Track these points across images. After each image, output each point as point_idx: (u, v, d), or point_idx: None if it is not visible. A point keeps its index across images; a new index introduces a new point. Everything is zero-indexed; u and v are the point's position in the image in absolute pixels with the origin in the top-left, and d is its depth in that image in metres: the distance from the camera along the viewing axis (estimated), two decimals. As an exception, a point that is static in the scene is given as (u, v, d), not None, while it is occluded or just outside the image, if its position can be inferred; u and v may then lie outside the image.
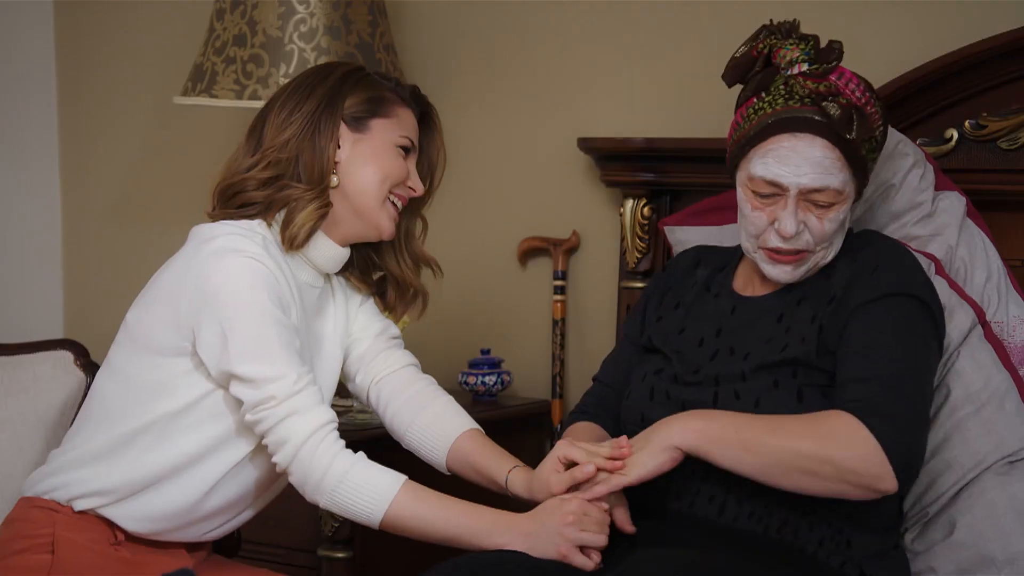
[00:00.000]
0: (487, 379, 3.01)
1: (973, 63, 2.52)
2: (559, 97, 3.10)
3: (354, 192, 2.22)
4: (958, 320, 2.30)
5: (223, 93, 2.87)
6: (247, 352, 2.09)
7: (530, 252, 3.14)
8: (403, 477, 2.12)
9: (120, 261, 3.64)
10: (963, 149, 2.54)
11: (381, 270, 2.35)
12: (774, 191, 2.14)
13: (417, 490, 2.11)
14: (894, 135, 2.40)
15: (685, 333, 2.27)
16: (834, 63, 2.17)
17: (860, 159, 2.16)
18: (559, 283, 3.07)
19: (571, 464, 2.12)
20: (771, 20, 2.24)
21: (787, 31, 2.22)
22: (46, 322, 3.67)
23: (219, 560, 2.34)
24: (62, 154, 3.76)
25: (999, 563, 2.21)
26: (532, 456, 2.95)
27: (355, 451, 2.12)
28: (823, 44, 2.20)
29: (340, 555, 2.66)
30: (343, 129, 2.22)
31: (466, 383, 3.02)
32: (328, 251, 2.24)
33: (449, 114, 3.21)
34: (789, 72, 2.17)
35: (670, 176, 2.84)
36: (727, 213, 2.62)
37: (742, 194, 2.19)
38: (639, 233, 2.86)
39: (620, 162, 2.89)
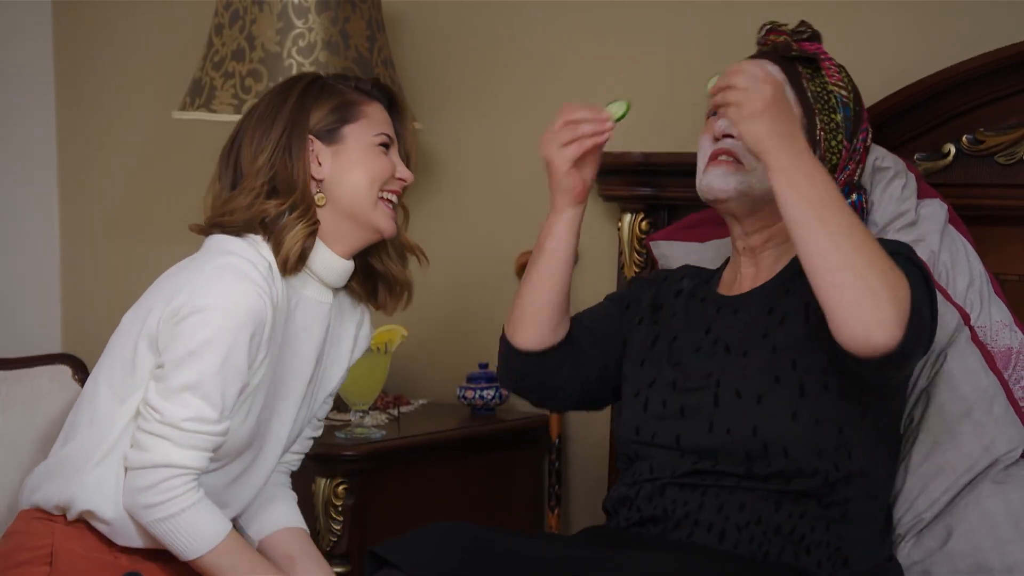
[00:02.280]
0: (485, 393, 3.01)
1: (970, 78, 2.52)
2: (557, 110, 3.10)
3: (346, 203, 2.22)
4: (944, 322, 2.29)
5: (221, 108, 2.87)
6: (179, 363, 2.09)
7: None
8: (228, 528, 2.13)
9: (118, 275, 3.64)
10: (961, 164, 2.54)
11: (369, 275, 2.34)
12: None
13: (233, 547, 2.14)
14: (872, 151, 2.40)
15: (678, 341, 2.27)
16: (807, 33, 2.27)
17: (801, 86, 2.22)
18: (557, 297, 3.07)
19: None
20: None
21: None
22: (44, 336, 3.67)
23: None
24: (60, 168, 3.76)
25: (996, 571, 2.21)
26: (529, 471, 2.97)
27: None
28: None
29: (339, 569, 2.66)
30: (318, 145, 2.21)
31: (464, 397, 3.02)
32: (332, 263, 2.23)
33: (447, 127, 3.22)
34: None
35: (668, 191, 2.84)
36: (709, 228, 2.63)
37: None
38: (637, 247, 2.86)
39: (618, 176, 2.89)
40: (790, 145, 2.00)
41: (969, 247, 2.43)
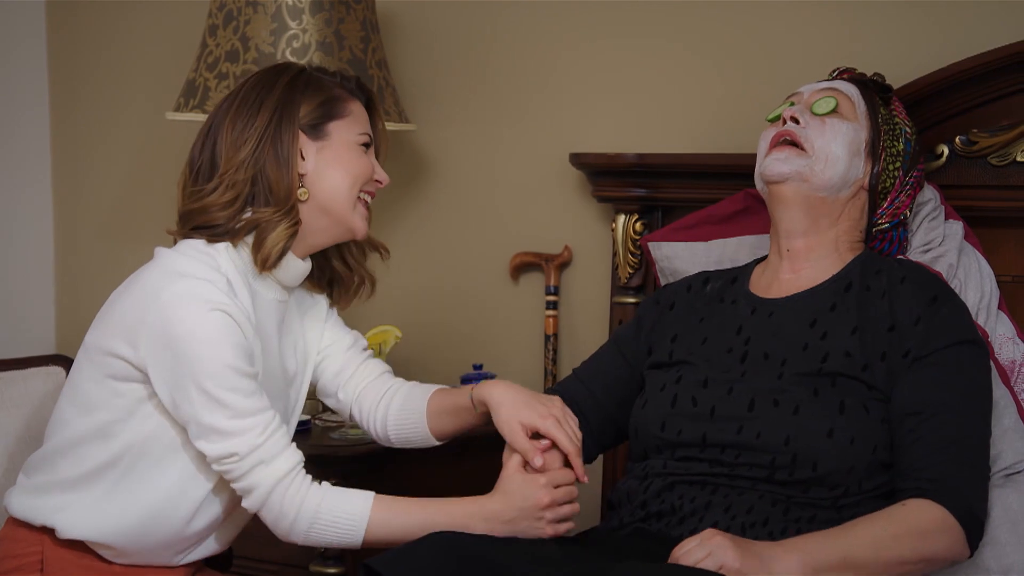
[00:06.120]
0: (479, 394, 3.01)
1: (964, 79, 2.52)
2: (551, 112, 3.11)
3: (325, 201, 2.17)
4: None
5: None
6: (208, 408, 2.05)
7: (522, 267, 3.14)
8: (371, 495, 2.10)
9: (112, 276, 3.60)
10: (954, 165, 2.54)
11: (324, 268, 2.31)
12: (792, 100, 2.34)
13: (388, 503, 2.10)
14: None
15: (708, 343, 2.27)
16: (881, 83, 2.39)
17: (874, 105, 2.31)
18: (551, 298, 3.08)
19: (536, 435, 2.15)
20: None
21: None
22: (38, 338, 3.67)
23: (210, 572, 2.34)
24: (54, 169, 3.76)
25: (993, 573, 2.21)
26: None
27: (333, 476, 2.11)
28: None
29: (331, 571, 2.65)
30: (303, 139, 2.16)
31: (458, 398, 3.02)
32: (293, 266, 2.20)
33: (441, 128, 3.22)
34: None
35: (662, 191, 2.84)
36: (713, 227, 2.63)
37: None
38: (631, 248, 2.86)
39: (612, 177, 2.89)
40: (778, 557, 1.99)
41: (982, 260, 2.44)
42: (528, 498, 2.08)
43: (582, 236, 3.07)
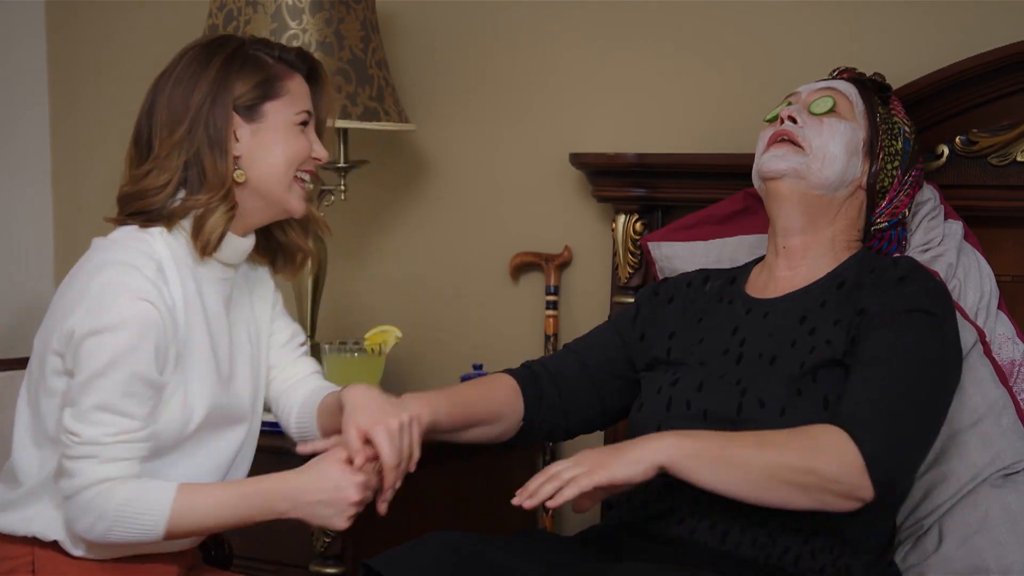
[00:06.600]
0: (479, 394, 3.01)
1: (964, 79, 2.52)
2: (551, 112, 3.11)
3: (259, 183, 2.13)
4: (963, 340, 2.31)
5: (215, 108, 2.86)
6: (85, 391, 2.02)
7: (522, 267, 3.14)
8: (173, 486, 2.05)
9: (112, 276, 3.63)
10: (954, 165, 2.54)
11: (269, 240, 2.27)
12: (790, 100, 2.35)
13: (191, 490, 2.05)
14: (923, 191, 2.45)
15: (705, 344, 2.27)
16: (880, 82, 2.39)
17: (873, 104, 2.30)
18: (551, 298, 3.08)
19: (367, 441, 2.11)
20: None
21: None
22: (38, 337, 3.67)
23: (209, 570, 2.34)
24: (54, 170, 3.76)
25: (993, 573, 2.22)
26: (523, 471, 2.96)
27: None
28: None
29: (331, 570, 2.65)
30: (237, 120, 2.10)
31: (458, 398, 3.02)
32: (235, 244, 2.16)
33: (441, 128, 3.22)
34: None
35: (662, 191, 2.84)
36: (708, 227, 2.64)
37: None
38: (631, 248, 2.86)
39: (612, 177, 2.89)
40: (647, 451, 2.01)
41: (982, 260, 2.44)
42: (341, 488, 2.04)
43: (582, 236, 3.07)
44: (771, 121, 2.33)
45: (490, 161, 3.18)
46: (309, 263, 2.31)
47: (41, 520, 2.12)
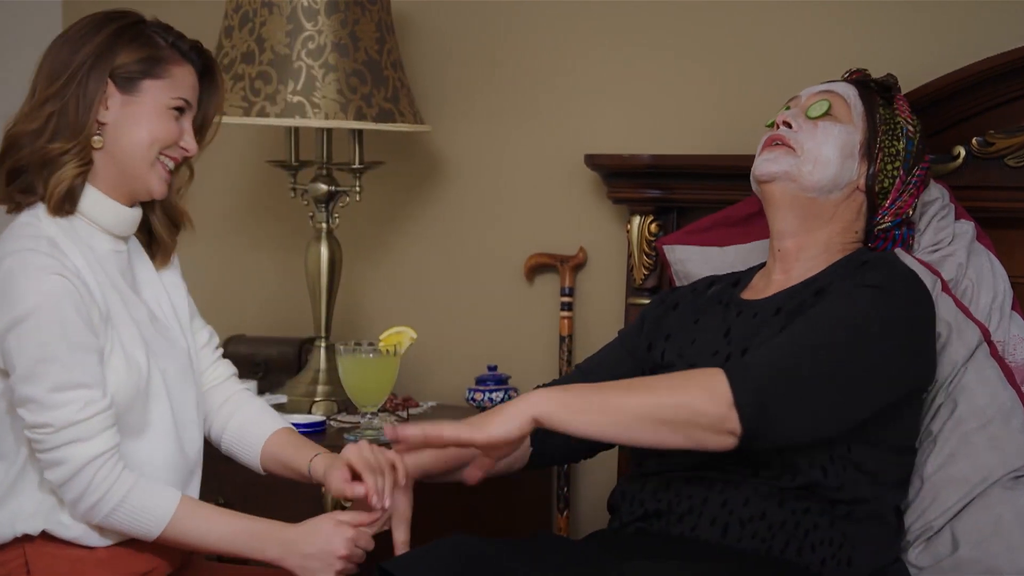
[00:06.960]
0: (494, 395, 3.01)
1: (980, 80, 2.52)
2: (566, 114, 3.11)
3: (121, 155, 2.16)
4: (966, 338, 2.31)
5: (231, 110, 2.87)
6: (28, 380, 2.05)
7: (537, 268, 3.14)
8: (178, 496, 2.12)
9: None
10: (970, 166, 2.54)
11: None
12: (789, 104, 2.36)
13: (193, 508, 2.13)
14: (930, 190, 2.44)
15: (696, 345, 2.28)
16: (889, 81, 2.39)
17: (873, 105, 2.30)
18: (566, 299, 3.08)
19: (356, 474, 2.17)
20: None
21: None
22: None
23: (206, 563, 2.35)
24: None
25: (1007, 574, 2.21)
26: (538, 473, 2.96)
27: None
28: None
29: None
30: (111, 88, 2.14)
31: (473, 399, 3.02)
32: (114, 211, 2.19)
33: (456, 129, 3.23)
34: None
35: (677, 193, 2.84)
36: (723, 231, 2.63)
37: None
38: (646, 250, 2.86)
39: (627, 179, 2.89)
40: (520, 407, 2.03)
41: (995, 261, 2.44)
42: (330, 542, 2.12)
43: (597, 237, 3.07)
44: (770, 127, 2.35)
45: (505, 162, 3.18)
46: (174, 258, 2.33)
47: (23, 515, 2.13)
